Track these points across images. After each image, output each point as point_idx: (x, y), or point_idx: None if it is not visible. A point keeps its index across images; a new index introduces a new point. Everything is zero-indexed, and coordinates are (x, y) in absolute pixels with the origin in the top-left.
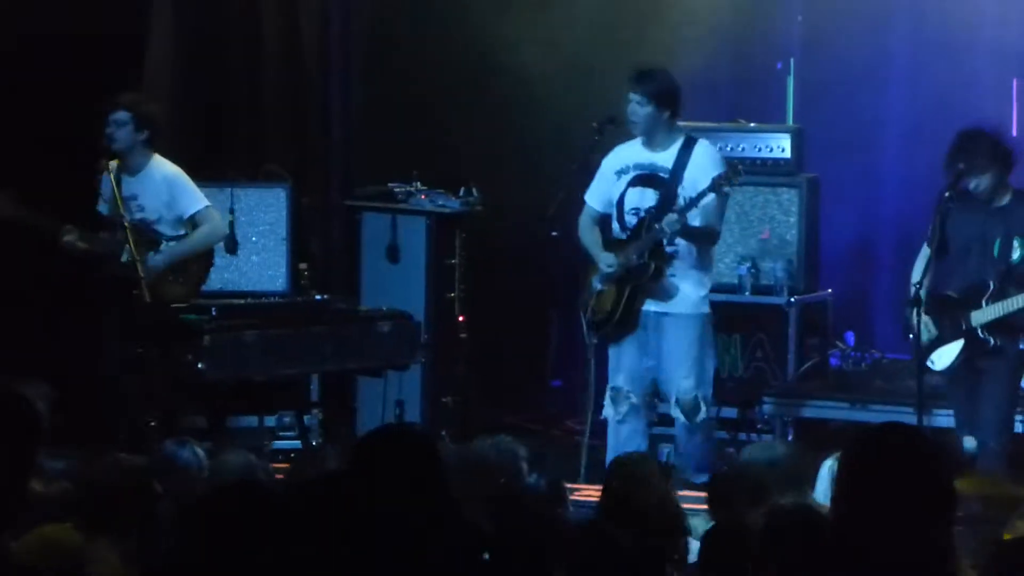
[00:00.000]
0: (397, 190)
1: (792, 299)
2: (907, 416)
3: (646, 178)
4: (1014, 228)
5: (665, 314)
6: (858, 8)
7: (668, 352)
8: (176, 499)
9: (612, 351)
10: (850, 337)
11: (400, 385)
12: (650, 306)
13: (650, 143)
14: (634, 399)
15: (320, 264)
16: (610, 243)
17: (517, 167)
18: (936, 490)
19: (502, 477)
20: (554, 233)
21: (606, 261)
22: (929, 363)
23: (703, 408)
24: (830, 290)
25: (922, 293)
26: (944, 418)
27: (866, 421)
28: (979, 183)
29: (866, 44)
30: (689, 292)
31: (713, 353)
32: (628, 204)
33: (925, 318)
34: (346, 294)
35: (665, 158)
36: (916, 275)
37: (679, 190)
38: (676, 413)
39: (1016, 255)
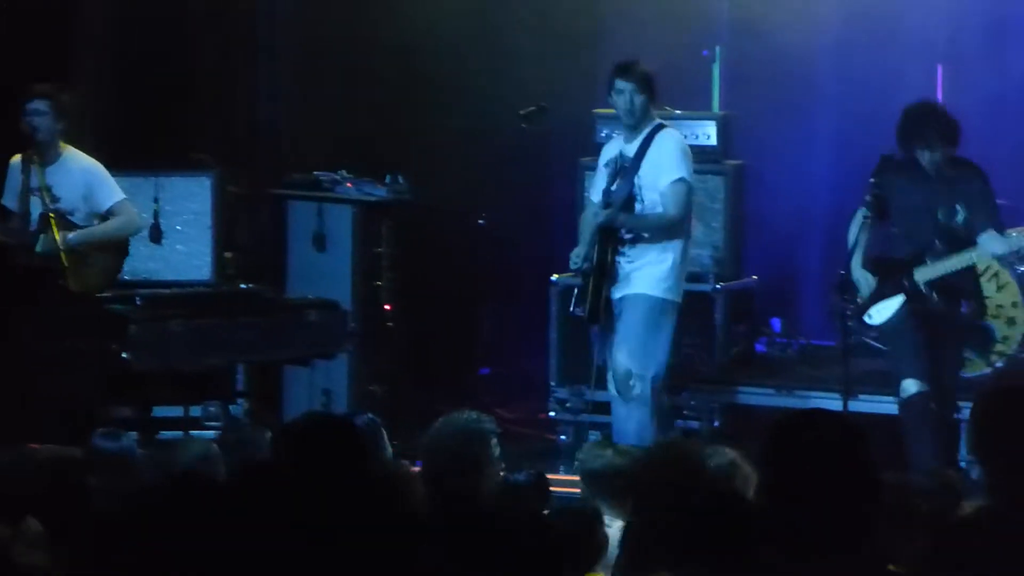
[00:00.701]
0: (324, 179)
1: (718, 286)
2: (833, 402)
3: (619, 169)
4: (958, 197)
5: (622, 297)
6: None
7: (617, 329)
8: (110, 491)
9: (597, 333)
10: (776, 324)
11: (327, 374)
12: (615, 293)
13: (627, 133)
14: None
15: (246, 253)
16: (591, 234)
17: (445, 156)
18: (858, 476)
19: (473, 451)
20: (481, 221)
21: (578, 255)
22: (867, 317)
23: (637, 385)
24: (756, 277)
25: (856, 258)
26: (870, 404)
27: (792, 407)
28: (933, 157)
29: (793, 31)
30: (644, 276)
31: (666, 340)
32: (612, 196)
33: (867, 276)
34: (272, 283)
35: (632, 148)
36: (852, 238)
37: (637, 180)
38: (611, 388)
39: (959, 218)
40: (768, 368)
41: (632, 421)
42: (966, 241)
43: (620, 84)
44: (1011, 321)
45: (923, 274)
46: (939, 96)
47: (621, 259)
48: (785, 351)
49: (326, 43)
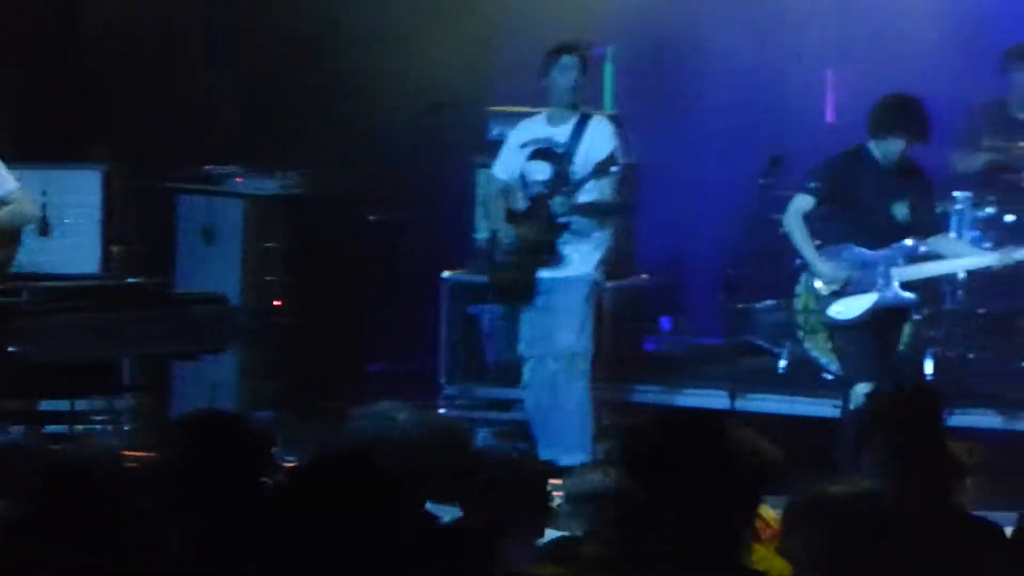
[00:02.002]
0: (214, 173)
1: (608, 284)
2: (720, 400)
3: (544, 152)
4: (909, 191)
5: (555, 278)
6: None
7: (555, 312)
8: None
9: (520, 320)
10: (666, 322)
11: (216, 369)
12: (544, 273)
13: (552, 118)
14: (538, 365)
15: (135, 247)
16: (512, 215)
17: (338, 151)
18: (731, 477)
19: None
20: (373, 217)
21: (505, 234)
22: (833, 312)
23: (580, 363)
24: (646, 275)
25: (808, 250)
26: (756, 402)
27: (680, 405)
28: (896, 149)
29: (684, 31)
30: (579, 258)
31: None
32: (528, 177)
33: (831, 267)
34: (161, 277)
35: (561, 133)
36: (789, 224)
37: (572, 165)
38: (555, 370)
39: (911, 214)
40: (657, 366)
41: (577, 400)
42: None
43: (567, 60)
44: None
45: (903, 275)
46: (829, 99)
47: (558, 241)
48: (674, 349)
49: (219, 36)
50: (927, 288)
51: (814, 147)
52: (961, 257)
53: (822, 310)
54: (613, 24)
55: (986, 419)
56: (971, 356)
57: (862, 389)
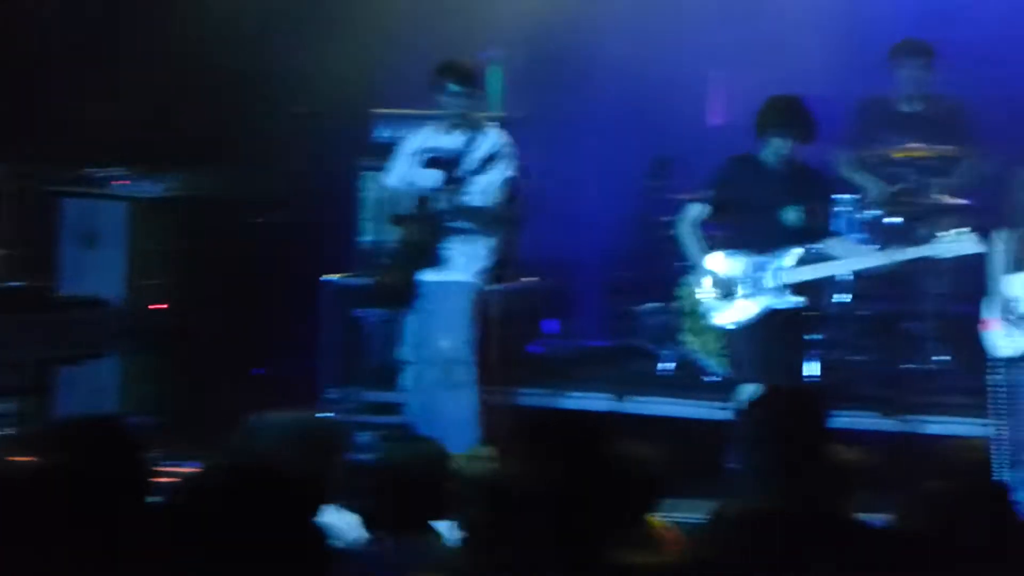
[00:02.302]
0: (98, 175)
1: (494, 287)
2: (607, 403)
3: (434, 160)
4: (800, 195)
5: (439, 283)
6: (563, 0)
7: (440, 317)
8: None
9: (404, 323)
10: (553, 325)
11: (101, 373)
12: (428, 276)
13: (447, 126)
14: (422, 369)
15: (16, 250)
16: (400, 219)
17: (223, 154)
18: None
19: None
20: (257, 219)
21: (392, 238)
22: (719, 317)
23: (465, 369)
24: (532, 278)
25: (701, 255)
26: (642, 405)
27: (565, 408)
28: (784, 148)
29: (572, 35)
30: (464, 263)
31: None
32: (419, 184)
33: (726, 270)
34: (43, 281)
35: (455, 141)
36: (682, 234)
37: (463, 173)
38: (440, 375)
39: (803, 218)
40: (543, 368)
41: (464, 405)
42: (810, 242)
43: (453, 88)
44: None
45: (788, 277)
46: (712, 101)
47: (442, 246)
48: (560, 352)
49: (104, 37)
50: (813, 290)
51: (700, 150)
52: (848, 258)
53: (709, 314)
54: (501, 27)
55: (871, 421)
56: (857, 358)
57: (750, 392)
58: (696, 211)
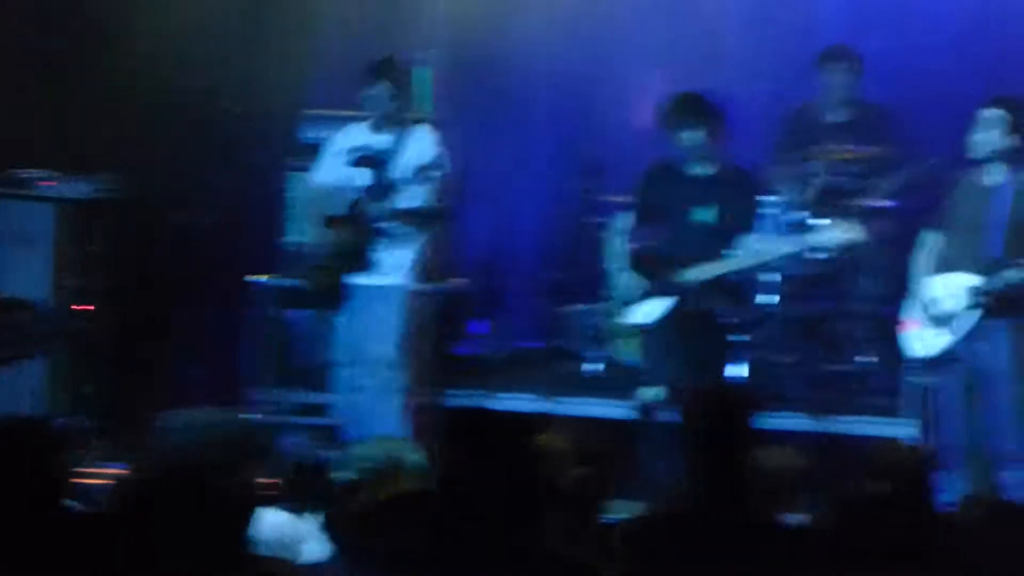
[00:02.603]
0: (24, 176)
1: (425, 288)
2: (535, 403)
3: (365, 159)
4: (716, 197)
5: (370, 286)
6: (494, 1)
7: (369, 319)
8: None
9: (333, 325)
10: (485, 326)
11: (26, 375)
12: (358, 279)
13: (376, 125)
14: (351, 371)
15: None
16: (330, 220)
17: (152, 154)
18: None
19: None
20: (184, 220)
21: (321, 238)
22: (630, 318)
23: (394, 372)
24: (465, 279)
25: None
26: (574, 406)
27: (495, 409)
28: (692, 140)
29: (506, 35)
30: (395, 265)
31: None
32: (348, 183)
33: (630, 275)
34: None
35: (386, 141)
36: (611, 244)
37: (393, 173)
38: (367, 377)
39: (716, 220)
40: (475, 370)
41: (390, 409)
42: (723, 244)
43: (381, 89)
44: None
45: (691, 275)
46: (652, 102)
47: (372, 247)
48: (493, 353)
49: (31, 37)
50: (742, 291)
51: (634, 152)
52: (741, 255)
53: (626, 316)
54: (431, 28)
55: (798, 422)
56: (784, 359)
57: (647, 393)
58: (623, 221)
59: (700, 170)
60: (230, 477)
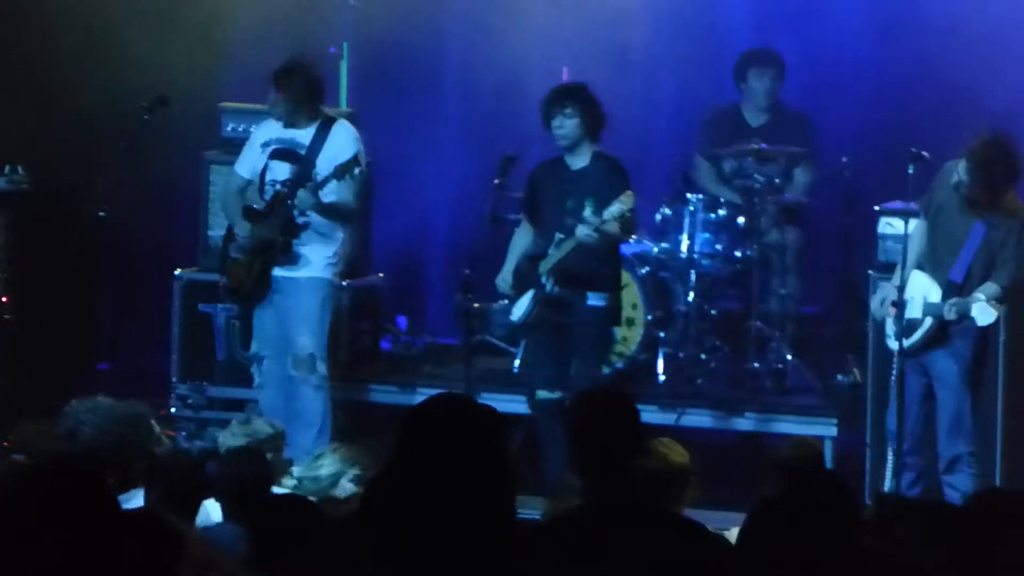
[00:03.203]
0: None
1: (344, 283)
2: None
3: (284, 152)
4: (589, 189)
5: (292, 278)
6: None
7: (292, 312)
8: None
9: (255, 318)
10: (402, 321)
11: None
12: (279, 272)
13: (291, 121)
14: (273, 365)
15: None
16: (250, 213)
17: (66, 147)
18: (485, 459)
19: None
20: (101, 214)
21: (241, 231)
22: (511, 316)
23: (318, 365)
24: (382, 274)
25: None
26: (492, 402)
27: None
28: (566, 128)
29: (419, 29)
30: (316, 259)
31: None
32: (268, 176)
33: (506, 272)
34: None
35: (304, 135)
36: (512, 247)
37: (314, 167)
38: (292, 371)
39: (588, 211)
40: (392, 365)
41: (317, 401)
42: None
43: (276, 91)
44: (630, 322)
45: (543, 265)
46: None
47: (293, 241)
48: (410, 349)
49: None
50: (659, 290)
51: (548, 147)
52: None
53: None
54: (347, 23)
55: (715, 419)
56: (703, 357)
57: (538, 392)
58: (524, 221)
59: (577, 163)
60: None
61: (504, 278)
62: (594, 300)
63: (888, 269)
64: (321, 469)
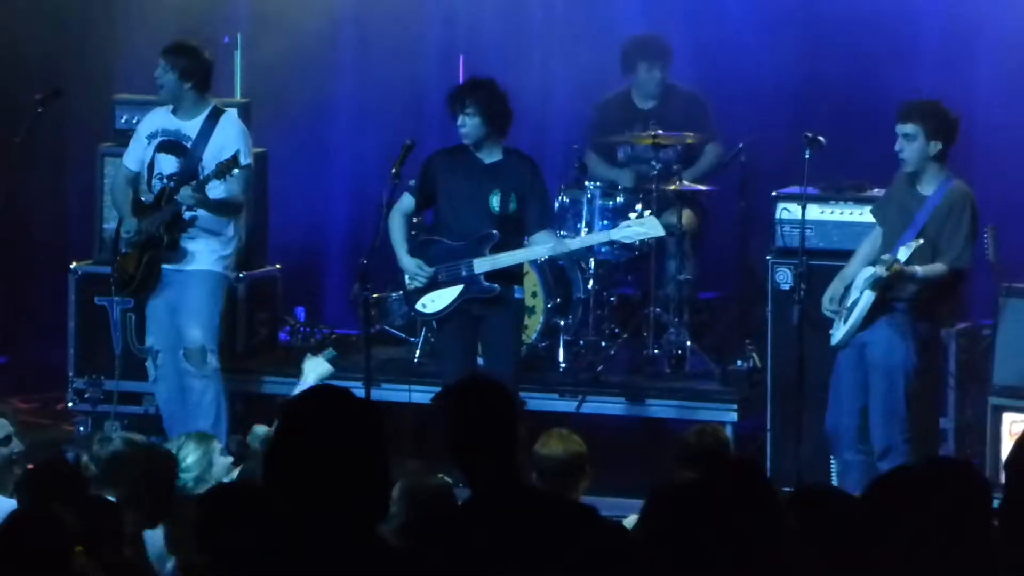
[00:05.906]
0: None
1: (241, 274)
2: (355, 390)
3: (171, 144)
4: (510, 184)
5: (181, 271)
6: None
7: (182, 306)
8: None
9: (148, 312)
10: (300, 312)
11: None
12: (168, 266)
13: (178, 111)
14: (167, 358)
15: None
16: (138, 206)
17: None
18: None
19: None
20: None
21: (128, 227)
22: (420, 307)
23: (209, 357)
24: (279, 265)
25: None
26: (391, 392)
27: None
28: (473, 126)
29: (314, 18)
30: (205, 253)
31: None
32: (155, 169)
33: (418, 263)
34: None
35: (191, 127)
36: (390, 223)
37: (200, 160)
38: (184, 364)
39: (512, 207)
40: (290, 357)
41: (210, 393)
42: (520, 231)
43: (161, 63)
44: (530, 311)
45: (481, 265)
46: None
47: (182, 235)
48: (308, 340)
49: None
50: (558, 277)
51: (448, 135)
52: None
53: (413, 305)
54: (242, 13)
55: (615, 406)
56: (602, 344)
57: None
58: (404, 201)
59: (488, 157)
60: None
61: (411, 263)
62: (519, 293)
63: (786, 254)
64: (188, 458)
